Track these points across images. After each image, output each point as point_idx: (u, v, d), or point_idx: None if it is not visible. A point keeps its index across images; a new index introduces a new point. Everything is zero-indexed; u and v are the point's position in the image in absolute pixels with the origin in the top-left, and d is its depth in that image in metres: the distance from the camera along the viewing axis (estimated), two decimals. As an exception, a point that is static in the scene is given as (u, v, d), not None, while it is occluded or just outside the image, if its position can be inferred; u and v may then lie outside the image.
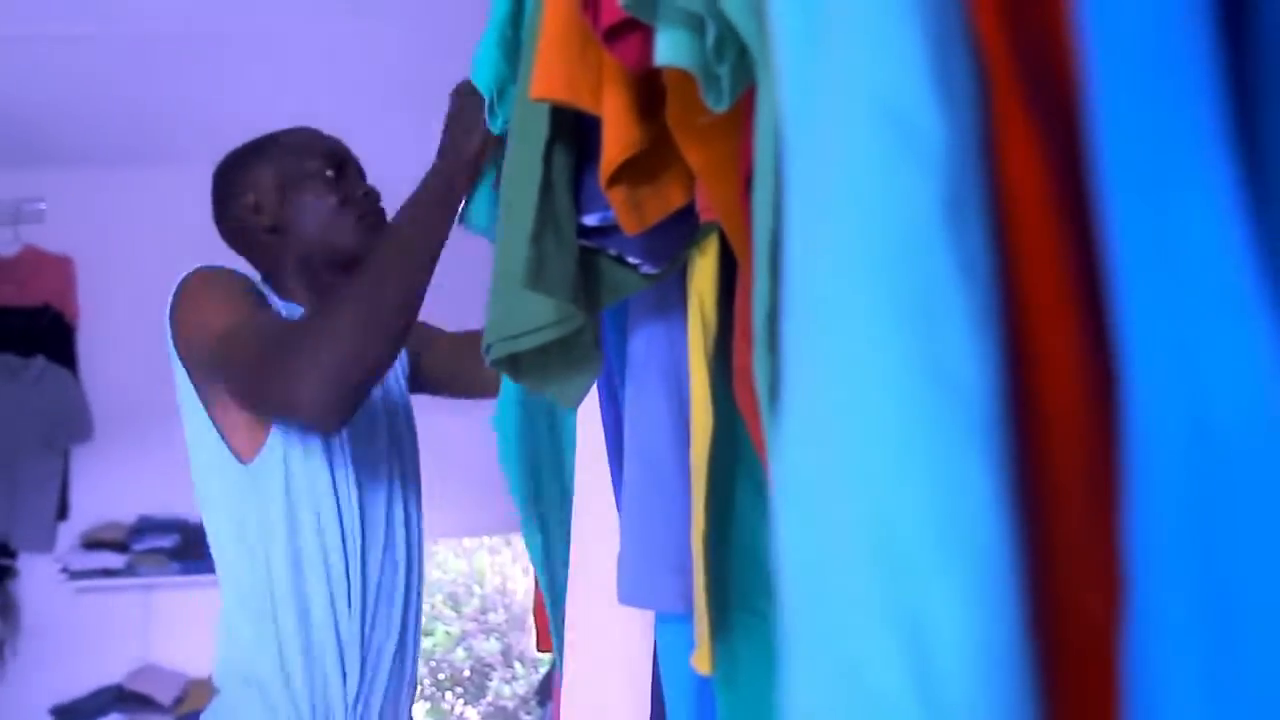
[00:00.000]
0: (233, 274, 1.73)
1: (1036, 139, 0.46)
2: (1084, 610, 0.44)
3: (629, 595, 1.32)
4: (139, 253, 4.36)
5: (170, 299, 1.72)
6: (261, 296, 1.76)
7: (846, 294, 0.44)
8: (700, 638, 1.21)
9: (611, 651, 1.53)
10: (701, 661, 1.21)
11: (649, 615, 1.47)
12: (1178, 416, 0.37)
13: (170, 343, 1.72)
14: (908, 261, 0.43)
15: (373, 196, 1.89)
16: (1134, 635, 0.39)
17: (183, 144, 4.22)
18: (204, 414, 1.71)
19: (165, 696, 4.09)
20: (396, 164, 4.28)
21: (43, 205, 4.42)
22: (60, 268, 4.40)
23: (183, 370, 1.72)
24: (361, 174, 1.93)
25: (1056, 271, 0.45)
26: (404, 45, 3.47)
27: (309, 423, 1.51)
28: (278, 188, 1.82)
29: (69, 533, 4.25)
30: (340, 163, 1.87)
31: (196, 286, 1.70)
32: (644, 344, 1.34)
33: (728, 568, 1.21)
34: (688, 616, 1.26)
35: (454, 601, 8.21)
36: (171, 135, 4.16)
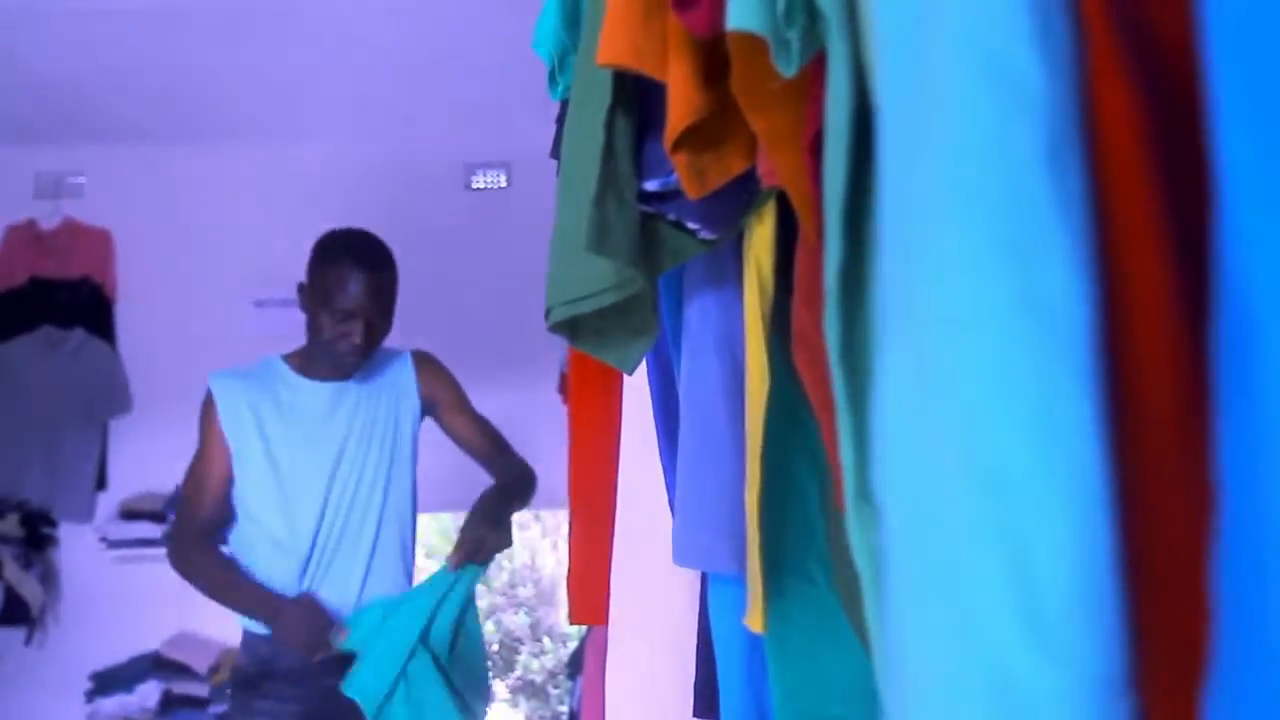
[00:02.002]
0: None
1: (1131, 87, 0.48)
2: (1173, 530, 0.46)
3: (683, 556, 1.34)
4: (177, 227, 4.41)
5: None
6: None
7: (950, 232, 0.46)
8: (753, 597, 1.23)
9: (658, 611, 1.56)
10: (754, 620, 1.23)
11: (696, 577, 1.49)
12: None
13: None
14: (1010, 202, 0.45)
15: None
16: (1228, 554, 0.41)
17: (221, 120, 4.26)
18: None
19: (201, 664, 4.15)
20: (432, 137, 4.32)
21: (82, 179, 4.48)
22: (99, 241, 4.45)
23: None
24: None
25: (1150, 212, 0.47)
26: (448, 17, 3.49)
27: None
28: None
29: (107, 503, 4.31)
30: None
31: None
32: (699, 312, 1.36)
33: (781, 531, 1.23)
34: (740, 578, 1.29)
35: (483, 576, 8.27)
36: (210, 111, 4.19)
